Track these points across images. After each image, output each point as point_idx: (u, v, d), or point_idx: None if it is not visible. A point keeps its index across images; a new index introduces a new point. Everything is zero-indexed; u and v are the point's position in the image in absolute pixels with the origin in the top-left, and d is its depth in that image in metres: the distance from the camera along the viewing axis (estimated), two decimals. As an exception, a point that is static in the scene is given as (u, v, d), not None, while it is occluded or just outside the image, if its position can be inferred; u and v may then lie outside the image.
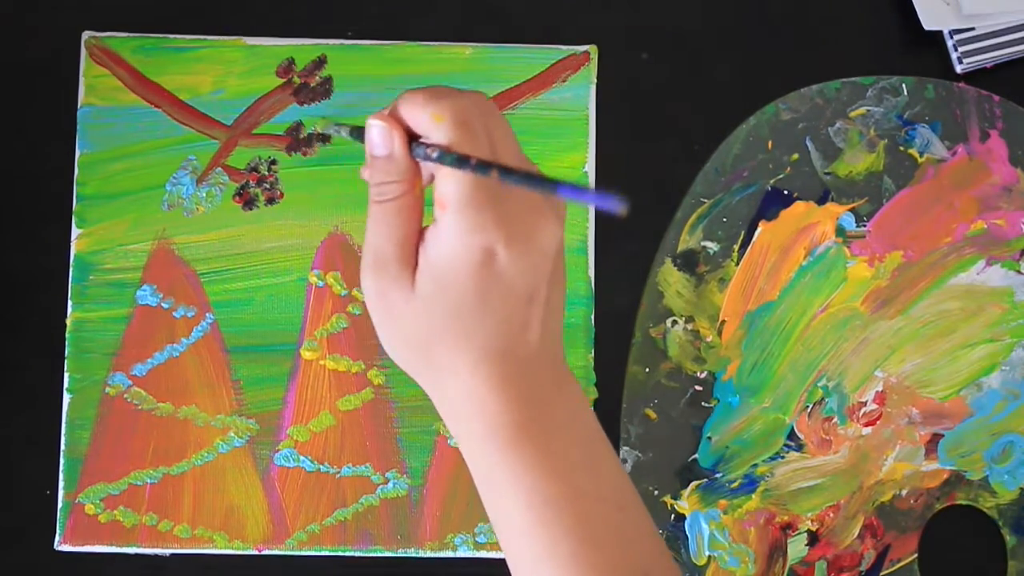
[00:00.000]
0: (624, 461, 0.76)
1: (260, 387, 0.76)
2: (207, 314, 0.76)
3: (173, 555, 0.75)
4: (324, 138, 0.78)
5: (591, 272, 0.77)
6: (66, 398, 0.76)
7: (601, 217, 0.78)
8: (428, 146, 0.55)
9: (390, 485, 0.76)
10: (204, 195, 0.77)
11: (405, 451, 0.76)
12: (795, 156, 0.78)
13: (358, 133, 0.59)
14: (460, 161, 0.53)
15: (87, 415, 0.75)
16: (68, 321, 0.76)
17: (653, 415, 0.76)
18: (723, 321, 0.77)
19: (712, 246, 0.78)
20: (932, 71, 0.79)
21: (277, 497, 0.75)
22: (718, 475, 0.76)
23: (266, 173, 0.78)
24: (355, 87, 0.78)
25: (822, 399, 0.77)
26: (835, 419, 0.76)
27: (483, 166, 0.53)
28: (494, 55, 0.79)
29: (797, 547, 0.76)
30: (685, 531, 0.76)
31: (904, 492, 0.76)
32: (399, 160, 0.56)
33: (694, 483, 0.76)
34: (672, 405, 0.77)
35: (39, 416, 0.76)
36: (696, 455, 0.76)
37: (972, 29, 0.79)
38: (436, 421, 0.76)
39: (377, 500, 0.75)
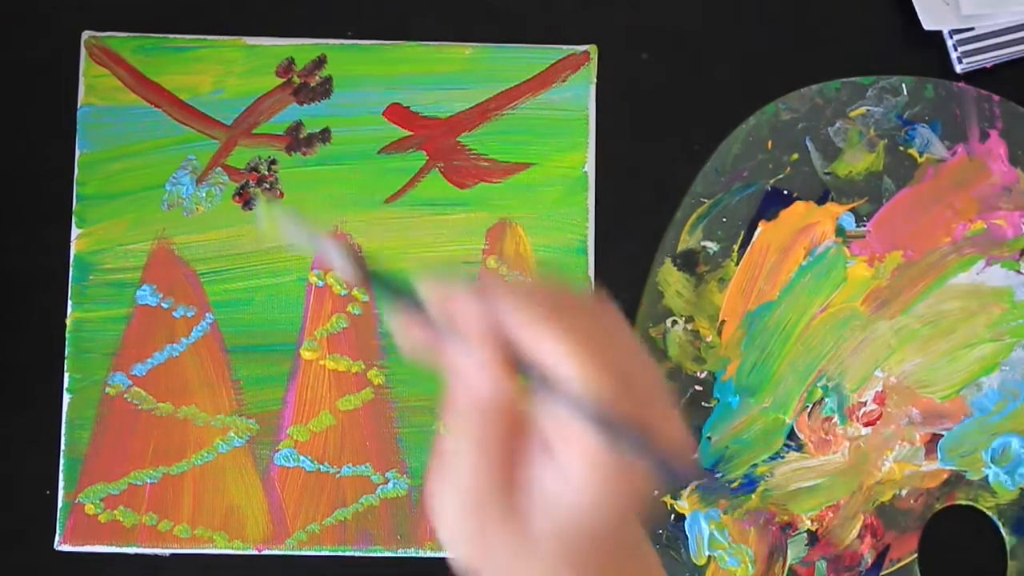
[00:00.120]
0: (624, 461, 0.76)
1: (260, 387, 0.76)
2: (207, 314, 0.76)
3: (173, 555, 0.75)
4: (324, 138, 0.78)
5: (591, 272, 0.77)
6: (66, 398, 0.76)
7: (601, 217, 0.78)
8: (541, 376, 0.45)
9: (390, 485, 0.76)
10: (204, 195, 0.77)
11: (405, 451, 0.76)
12: (795, 156, 0.78)
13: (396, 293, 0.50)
14: (578, 406, 0.44)
15: (87, 415, 0.75)
16: (68, 321, 0.76)
17: (653, 415, 0.76)
18: (723, 321, 0.77)
19: (712, 246, 0.78)
20: (932, 71, 0.79)
21: (277, 497, 0.75)
22: (718, 475, 0.76)
23: (266, 173, 0.78)
24: (355, 87, 0.78)
25: (822, 399, 0.77)
26: (835, 419, 0.76)
27: (663, 466, 0.44)
28: (494, 55, 0.79)
29: (797, 547, 0.76)
30: (685, 531, 0.76)
31: (904, 492, 0.76)
32: (502, 388, 0.46)
33: (694, 483, 0.76)
34: (672, 405, 0.77)
35: (39, 416, 0.76)
36: (696, 455, 0.76)
37: (972, 29, 0.79)
38: (436, 421, 0.76)
39: (377, 500, 0.75)
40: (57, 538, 0.75)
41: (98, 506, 0.75)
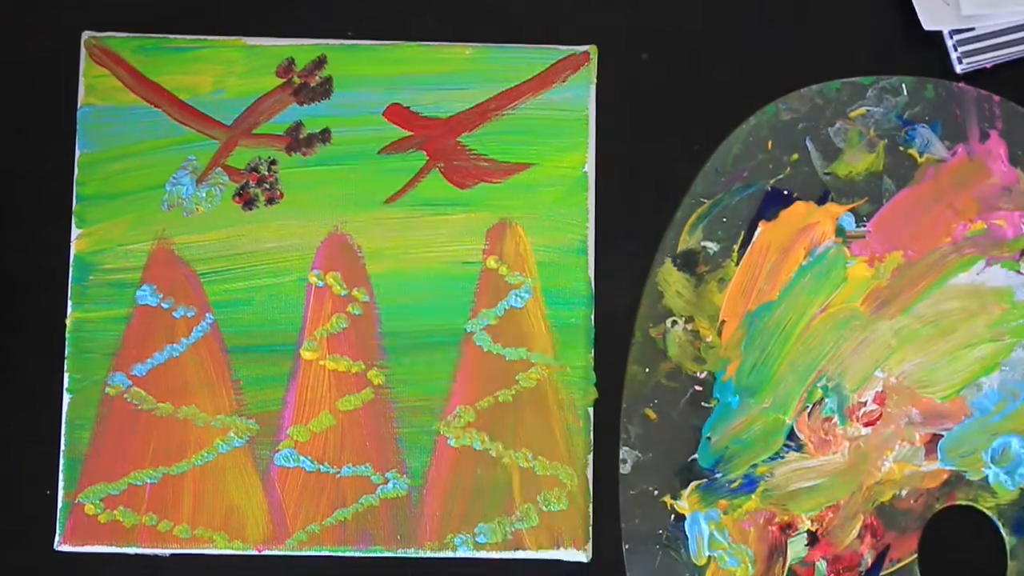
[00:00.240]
0: (624, 461, 0.76)
1: (260, 387, 0.76)
2: (207, 314, 0.76)
3: (173, 555, 0.75)
4: (324, 138, 0.78)
5: (591, 272, 0.77)
6: (66, 398, 0.76)
7: (601, 217, 0.78)
8: None
9: (390, 485, 0.76)
10: (204, 195, 0.77)
11: (405, 451, 0.76)
12: (795, 156, 0.78)
13: None
14: None
15: (87, 415, 0.75)
16: (68, 321, 0.76)
17: (653, 415, 0.76)
18: (723, 321, 0.77)
19: (712, 246, 0.78)
20: (932, 71, 0.79)
21: (277, 497, 0.75)
22: (718, 475, 0.76)
23: (266, 173, 0.78)
24: (355, 87, 0.78)
25: (822, 399, 0.77)
26: (835, 419, 0.76)
27: None
28: (494, 55, 0.79)
29: (797, 547, 0.76)
30: (685, 531, 0.76)
31: (904, 492, 0.76)
32: None
33: (694, 483, 0.76)
34: (672, 405, 0.77)
35: (39, 416, 0.76)
36: (696, 455, 0.76)
37: (972, 29, 0.79)
38: (436, 421, 0.76)
39: (377, 500, 0.75)
40: (57, 538, 0.75)
41: (98, 506, 0.75)
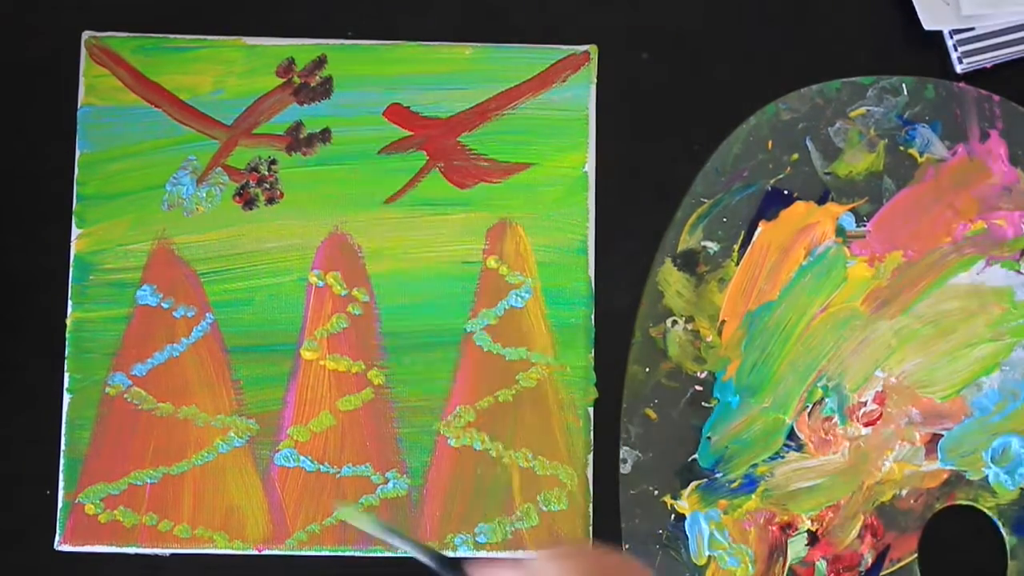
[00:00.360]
0: (624, 461, 0.76)
1: (260, 387, 0.76)
2: (207, 314, 0.76)
3: (173, 555, 0.75)
4: (324, 138, 0.78)
5: (591, 272, 0.77)
6: (66, 398, 0.76)
7: (601, 217, 0.78)
8: None
9: (390, 485, 0.76)
10: (204, 195, 0.77)
11: (405, 451, 0.76)
12: (795, 156, 0.78)
13: (441, 563, 0.59)
14: None
15: (87, 415, 0.75)
16: (68, 321, 0.76)
17: (653, 415, 0.76)
18: (723, 321, 0.77)
19: (712, 246, 0.78)
20: (932, 71, 0.79)
21: (277, 497, 0.75)
22: (718, 475, 0.76)
23: (266, 173, 0.78)
24: (355, 87, 0.78)
25: (822, 399, 0.77)
26: (835, 419, 0.76)
27: None
28: (494, 55, 0.79)
29: (797, 547, 0.76)
30: (685, 531, 0.76)
31: (904, 492, 0.76)
32: None
33: (694, 483, 0.76)
34: (672, 405, 0.77)
35: (39, 416, 0.76)
36: (696, 455, 0.76)
37: (972, 29, 0.79)
38: (436, 421, 0.76)
39: (377, 500, 0.75)
40: (57, 538, 0.75)
41: (98, 506, 0.75)
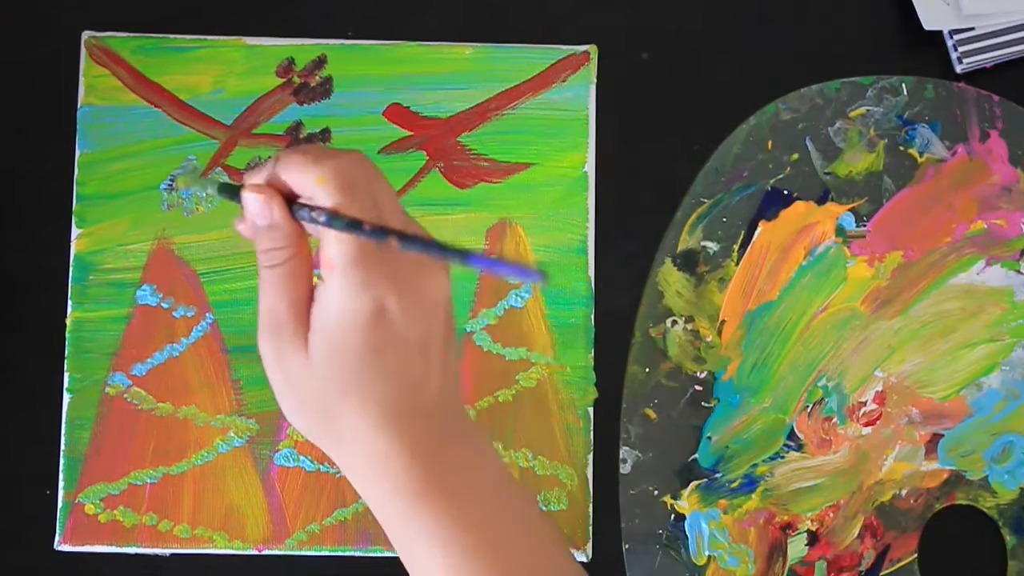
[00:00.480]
0: (624, 461, 0.76)
1: (260, 387, 0.76)
2: (207, 314, 0.76)
3: (173, 555, 0.75)
4: (324, 138, 0.78)
5: (591, 272, 0.77)
6: (66, 398, 0.76)
7: (601, 217, 0.78)
8: (313, 209, 0.53)
9: (390, 485, 0.75)
10: (204, 195, 0.77)
11: (405, 451, 0.76)
12: (795, 156, 0.78)
13: (229, 192, 0.57)
14: (351, 226, 0.52)
15: (87, 415, 0.75)
16: (68, 321, 0.76)
17: (653, 415, 0.76)
18: (723, 321, 0.77)
19: (712, 246, 0.78)
20: (932, 71, 0.79)
21: (277, 497, 0.75)
22: (718, 475, 0.76)
23: (266, 173, 0.77)
24: (355, 87, 0.78)
25: (822, 399, 0.77)
26: (835, 419, 0.76)
27: (379, 232, 0.52)
28: (494, 55, 0.79)
29: (797, 547, 0.76)
30: (685, 531, 0.76)
31: (904, 492, 0.76)
32: (282, 227, 0.55)
33: (694, 483, 0.76)
34: (672, 405, 0.77)
35: (39, 416, 0.76)
36: (696, 455, 0.76)
37: (972, 29, 0.79)
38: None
39: (377, 500, 0.75)
40: (57, 538, 0.75)
41: (98, 506, 0.75)
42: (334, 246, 0.53)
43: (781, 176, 0.78)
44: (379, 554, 0.75)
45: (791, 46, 0.80)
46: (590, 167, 0.78)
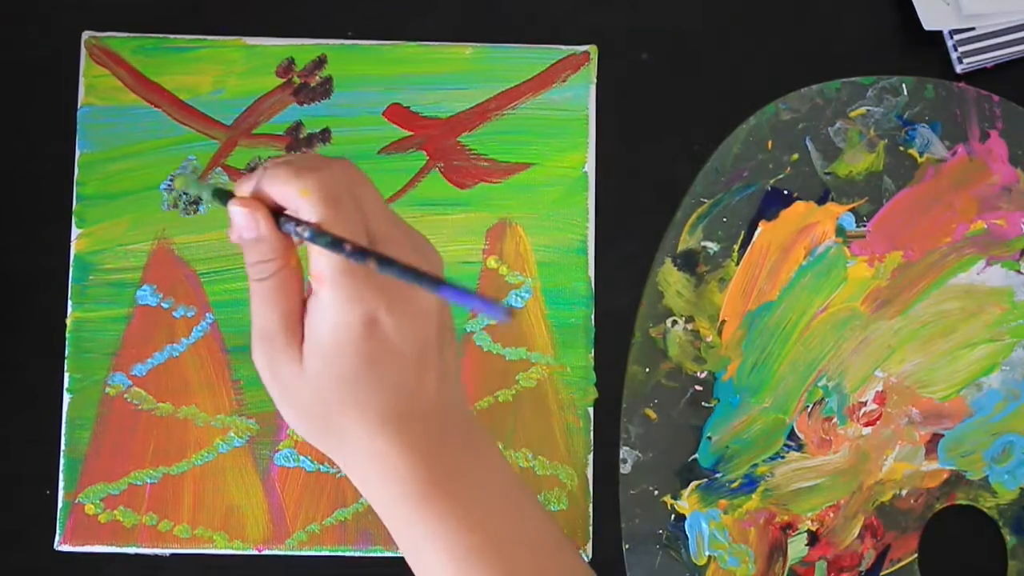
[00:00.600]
0: (624, 461, 0.76)
1: (260, 387, 0.75)
2: (207, 314, 0.76)
3: (173, 555, 0.75)
4: (324, 138, 0.78)
5: (591, 272, 0.77)
6: (66, 398, 0.76)
7: (601, 217, 0.78)
8: (299, 224, 0.53)
9: (390, 485, 0.75)
10: (203, 197, 0.77)
11: (405, 451, 0.76)
12: (795, 156, 0.78)
13: (222, 198, 0.57)
14: (334, 244, 0.52)
15: (87, 415, 0.75)
16: (68, 321, 0.76)
17: (653, 415, 0.76)
18: (723, 321, 0.77)
19: (712, 246, 0.78)
20: (932, 71, 0.79)
21: (277, 497, 0.75)
22: (718, 475, 0.76)
23: (266, 173, 0.77)
24: (355, 87, 0.78)
25: (822, 399, 0.77)
26: (835, 419, 0.76)
27: (358, 254, 0.52)
28: (494, 55, 0.79)
29: (797, 547, 0.76)
30: (685, 531, 0.76)
31: (904, 492, 0.76)
32: (269, 240, 0.55)
33: (694, 483, 0.76)
34: (672, 405, 0.77)
35: (39, 416, 0.76)
36: (696, 455, 0.76)
37: (972, 29, 0.79)
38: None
39: (377, 500, 0.75)
40: (57, 538, 0.75)
41: (98, 506, 0.75)
42: (322, 259, 0.53)
43: (781, 176, 0.78)
44: (379, 554, 0.75)
45: (791, 46, 0.80)
46: (590, 167, 0.78)
